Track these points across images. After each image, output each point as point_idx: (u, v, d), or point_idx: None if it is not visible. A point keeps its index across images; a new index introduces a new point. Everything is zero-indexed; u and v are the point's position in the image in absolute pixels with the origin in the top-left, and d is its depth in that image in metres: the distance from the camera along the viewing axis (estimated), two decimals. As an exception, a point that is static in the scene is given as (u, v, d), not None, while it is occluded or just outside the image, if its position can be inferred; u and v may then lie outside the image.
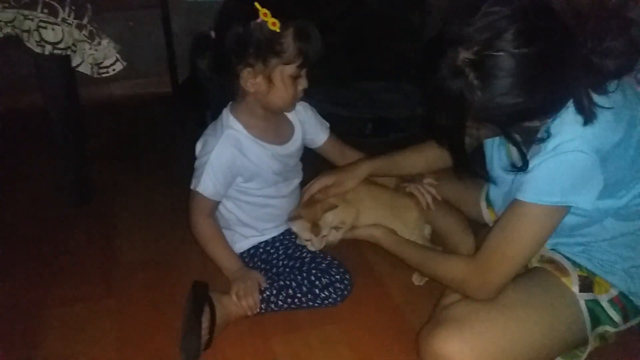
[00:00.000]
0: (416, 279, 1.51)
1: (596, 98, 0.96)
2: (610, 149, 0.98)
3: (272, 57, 1.24)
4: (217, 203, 1.41)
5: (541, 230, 1.05)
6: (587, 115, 0.95)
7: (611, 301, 1.14)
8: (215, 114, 1.42)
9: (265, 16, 1.20)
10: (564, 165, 0.97)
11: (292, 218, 1.43)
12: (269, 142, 1.39)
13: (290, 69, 1.26)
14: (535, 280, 1.17)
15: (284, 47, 1.23)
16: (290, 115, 1.45)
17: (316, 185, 1.43)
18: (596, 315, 1.14)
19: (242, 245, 1.49)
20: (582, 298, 1.13)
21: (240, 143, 1.35)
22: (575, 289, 1.14)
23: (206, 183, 1.34)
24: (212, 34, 1.28)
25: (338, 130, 1.60)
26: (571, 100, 0.96)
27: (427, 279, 1.49)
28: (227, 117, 1.37)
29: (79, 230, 1.78)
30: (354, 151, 1.57)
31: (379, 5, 3.01)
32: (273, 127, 1.41)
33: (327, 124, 1.54)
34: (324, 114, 1.55)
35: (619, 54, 0.94)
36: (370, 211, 1.44)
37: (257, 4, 1.20)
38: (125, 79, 2.65)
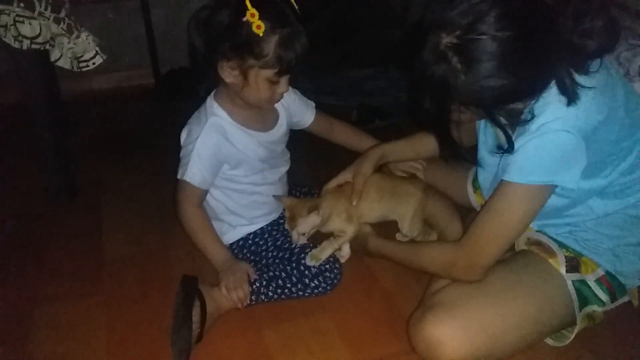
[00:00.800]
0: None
1: (579, 78, 0.96)
2: (594, 128, 0.99)
3: (250, 58, 1.21)
4: (205, 192, 1.40)
5: (527, 210, 1.05)
6: (570, 95, 0.95)
7: (598, 280, 1.16)
8: (210, 89, 1.40)
9: (252, 17, 1.16)
10: (547, 145, 0.98)
11: (278, 198, 1.46)
12: (253, 129, 1.38)
13: (267, 74, 1.24)
14: (523, 262, 1.18)
15: (264, 52, 1.20)
16: None
17: (334, 182, 1.45)
18: (584, 295, 1.15)
19: (230, 236, 1.48)
20: (569, 278, 1.14)
21: (224, 130, 1.34)
22: (562, 269, 1.15)
23: (193, 171, 1.33)
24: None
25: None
26: (554, 81, 0.96)
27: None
28: (211, 105, 1.36)
29: (64, 227, 1.76)
30: (342, 124, 1.60)
31: None
32: (257, 114, 1.40)
33: (313, 104, 1.54)
34: (310, 103, 1.55)
35: (600, 34, 0.94)
36: (373, 203, 1.45)
37: (248, 2, 1.15)
38: (107, 72, 2.64)
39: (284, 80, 1.28)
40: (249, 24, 1.16)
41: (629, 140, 1.06)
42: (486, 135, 1.23)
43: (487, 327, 1.08)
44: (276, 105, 1.43)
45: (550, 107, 0.97)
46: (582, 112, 0.97)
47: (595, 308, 1.17)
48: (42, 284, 1.51)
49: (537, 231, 1.22)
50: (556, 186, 1.03)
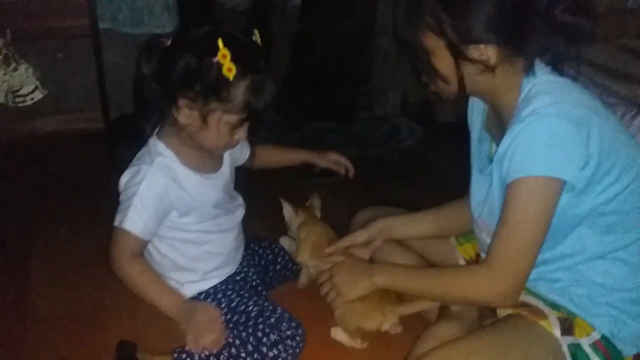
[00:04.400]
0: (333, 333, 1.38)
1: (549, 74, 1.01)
2: (582, 119, 0.97)
3: (214, 102, 1.13)
4: (146, 243, 1.24)
5: (542, 207, 0.99)
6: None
7: (593, 345, 1.06)
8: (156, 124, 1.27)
9: (224, 58, 1.08)
10: (540, 129, 0.96)
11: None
12: (204, 171, 1.26)
13: (231, 119, 1.15)
14: (512, 326, 1.09)
15: (231, 96, 1.12)
16: None
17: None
18: None
19: None
20: (564, 342, 1.05)
21: (174, 172, 1.21)
22: (556, 332, 1.06)
23: (133, 218, 1.18)
24: (168, 41, 1.15)
25: (286, 170, 1.58)
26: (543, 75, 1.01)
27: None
28: (156, 145, 1.23)
29: (-15, 281, 1.56)
30: (269, 147, 1.57)
31: (326, 47, 3.04)
32: (206, 155, 1.28)
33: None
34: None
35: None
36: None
37: (220, 42, 1.08)
38: (53, 114, 2.52)
39: (245, 127, 1.19)
40: (219, 66, 1.09)
41: (608, 163, 1.02)
42: (480, 152, 1.19)
43: None
44: None
45: (538, 97, 0.98)
46: (569, 100, 0.98)
47: None
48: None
49: (525, 293, 1.14)
50: (564, 182, 0.98)
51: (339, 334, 1.37)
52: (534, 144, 0.96)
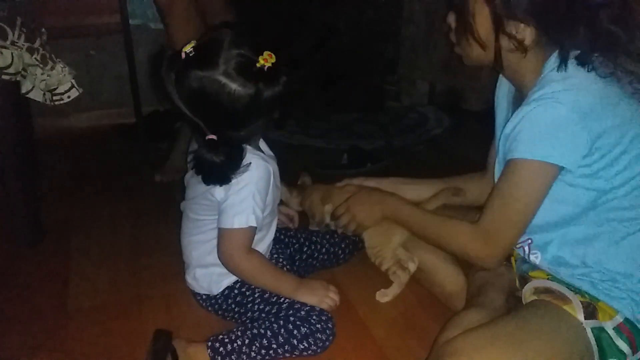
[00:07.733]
0: (380, 296, 1.46)
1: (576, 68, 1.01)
2: (590, 109, 0.99)
3: None
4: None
5: (534, 189, 1.05)
6: (562, 62, 1.01)
7: (617, 329, 1.06)
8: None
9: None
10: (543, 116, 1.00)
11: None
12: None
13: None
14: (538, 311, 1.09)
15: None
16: None
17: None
18: (603, 346, 1.05)
19: (220, 285, 1.34)
20: (588, 326, 1.05)
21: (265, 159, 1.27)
22: (580, 316, 1.05)
23: (256, 213, 1.23)
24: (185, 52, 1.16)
25: (313, 161, 1.53)
26: (556, 63, 1.02)
27: (392, 295, 1.46)
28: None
29: (27, 273, 1.61)
30: None
31: (352, 37, 3.01)
32: None
33: None
34: (298, 145, 1.46)
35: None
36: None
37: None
38: (86, 110, 2.58)
39: None
40: None
41: (617, 151, 1.03)
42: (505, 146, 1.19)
43: None
44: None
45: (550, 84, 1.01)
46: (581, 89, 1.00)
47: None
48: (-4, 337, 1.36)
49: (547, 279, 1.14)
50: (560, 167, 1.02)
51: (383, 294, 1.46)
52: (536, 128, 1.00)
